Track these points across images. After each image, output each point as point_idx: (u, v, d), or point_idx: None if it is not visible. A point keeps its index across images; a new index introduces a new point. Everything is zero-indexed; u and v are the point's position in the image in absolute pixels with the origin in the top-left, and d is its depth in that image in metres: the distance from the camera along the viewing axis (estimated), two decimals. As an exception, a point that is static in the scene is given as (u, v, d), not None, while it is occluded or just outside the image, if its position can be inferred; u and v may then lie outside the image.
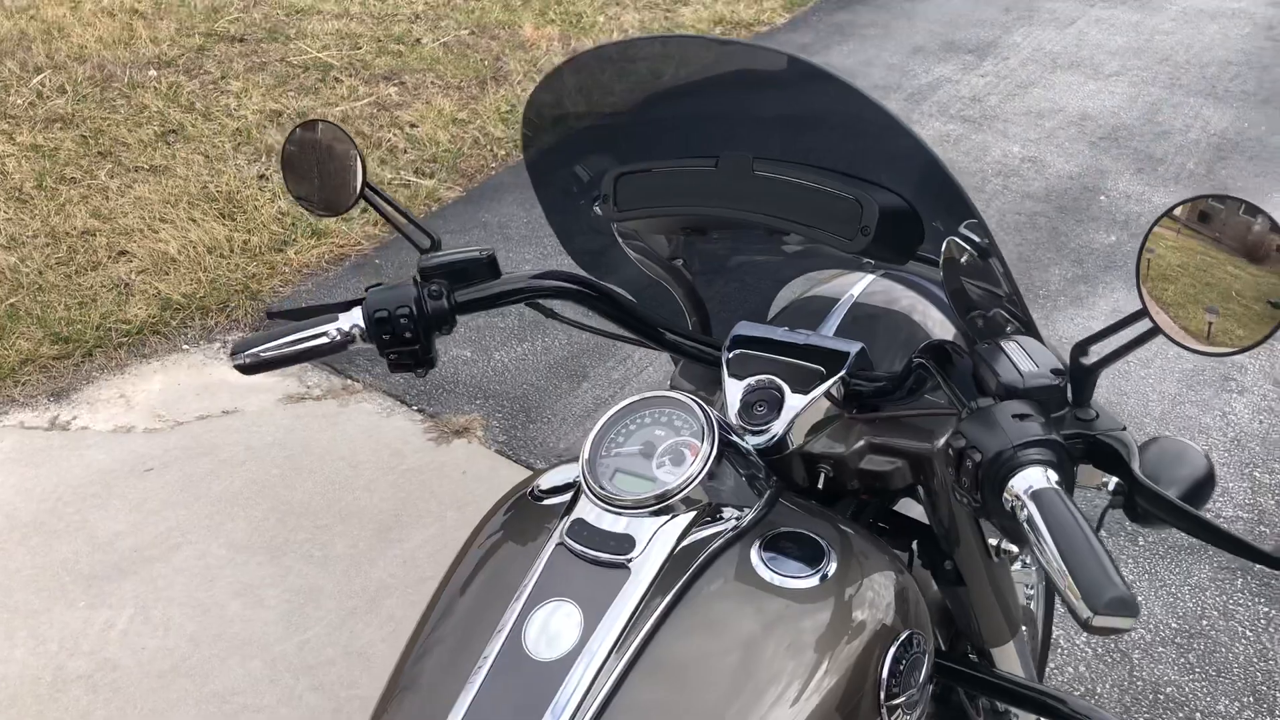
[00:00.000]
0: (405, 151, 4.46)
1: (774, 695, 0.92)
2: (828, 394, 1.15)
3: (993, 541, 1.30)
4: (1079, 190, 4.21)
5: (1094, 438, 0.87)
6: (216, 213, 3.95)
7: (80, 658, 2.27)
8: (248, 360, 1.21)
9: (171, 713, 2.15)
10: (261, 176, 4.20)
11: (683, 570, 0.98)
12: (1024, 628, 1.61)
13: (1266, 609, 2.38)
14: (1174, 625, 2.34)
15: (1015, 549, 1.32)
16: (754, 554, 1.00)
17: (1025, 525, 0.80)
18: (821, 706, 0.93)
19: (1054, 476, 0.82)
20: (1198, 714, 2.15)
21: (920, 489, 1.22)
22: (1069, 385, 0.89)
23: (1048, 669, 2.20)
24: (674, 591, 0.96)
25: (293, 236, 3.85)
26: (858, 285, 1.34)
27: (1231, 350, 0.80)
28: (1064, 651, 2.28)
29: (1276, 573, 2.46)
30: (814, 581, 0.98)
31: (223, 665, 2.26)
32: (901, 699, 0.98)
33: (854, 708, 0.96)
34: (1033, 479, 0.81)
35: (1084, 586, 0.73)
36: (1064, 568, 0.75)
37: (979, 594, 1.31)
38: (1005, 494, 0.83)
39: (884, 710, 0.97)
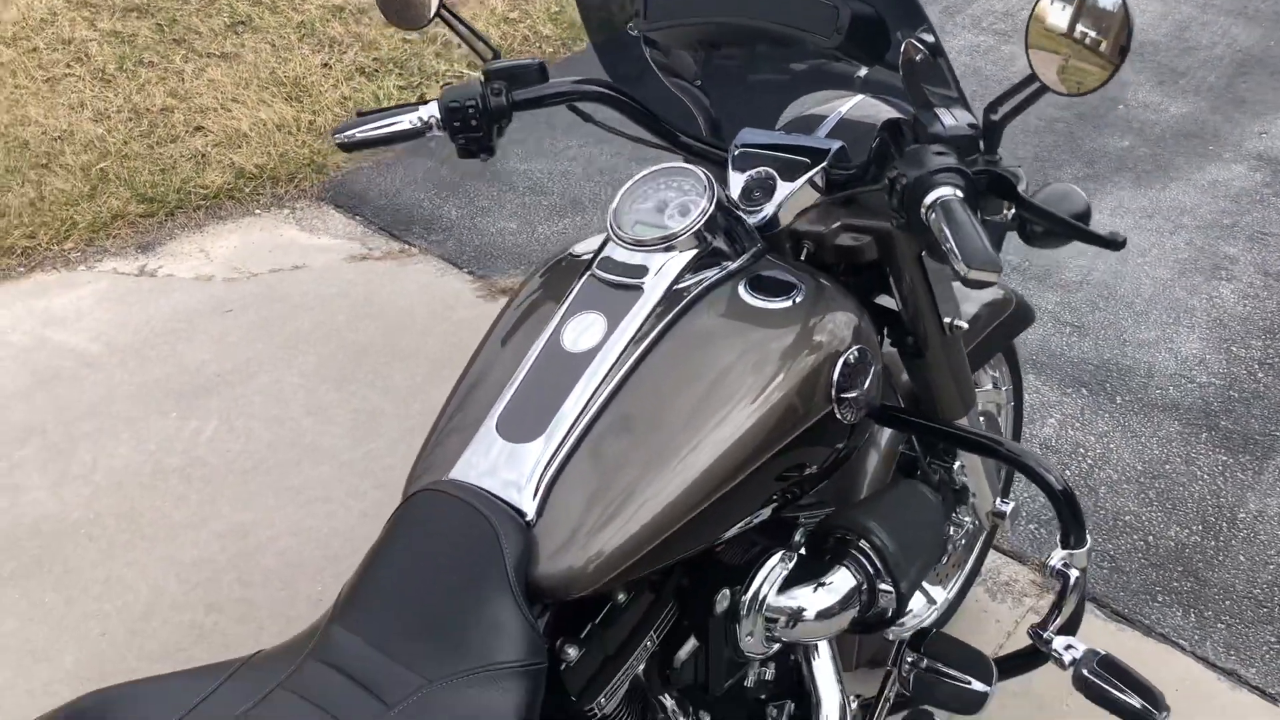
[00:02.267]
0: (459, 47, 4.72)
1: (750, 382, 1.21)
2: (812, 182, 1.43)
3: (946, 320, 1.57)
4: (1098, 99, 4.39)
5: (994, 171, 1.15)
6: (284, 96, 4.25)
7: (174, 456, 2.62)
8: (347, 139, 1.50)
9: (254, 500, 2.50)
10: (325, 65, 4.49)
11: (684, 295, 1.26)
12: (982, 419, 1.89)
13: (1225, 458, 2.64)
14: (1139, 468, 2.62)
15: (965, 325, 1.59)
16: (740, 287, 1.29)
17: (933, 228, 1.08)
18: (787, 394, 1.22)
19: (959, 195, 1.09)
20: (1150, 536, 2.43)
21: (887, 270, 1.49)
22: (982, 137, 1.17)
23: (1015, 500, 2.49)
24: (676, 309, 1.25)
25: (354, 119, 4.13)
26: (846, 104, 1.61)
27: (1089, 90, 1.08)
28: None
29: (1237, 428, 2.72)
30: (786, 304, 1.27)
31: (297, 467, 2.59)
32: (850, 395, 1.27)
33: (810, 395, 1.24)
34: (942, 193, 1.09)
35: (964, 252, 1.02)
36: (953, 243, 1.03)
37: (936, 365, 1.58)
38: (922, 208, 1.11)
39: (835, 402, 1.26)
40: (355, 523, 2.42)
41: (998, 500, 1.89)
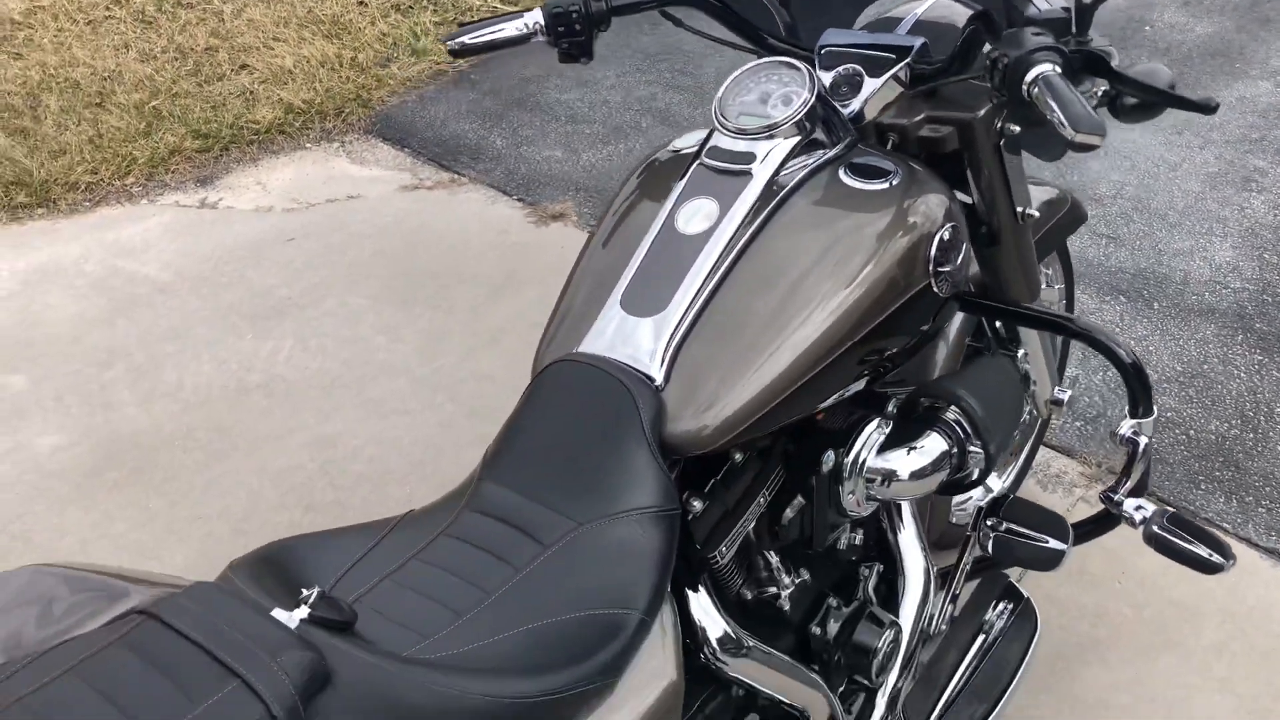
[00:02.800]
0: (491, -18, 4.78)
1: (855, 259, 1.32)
2: (896, 77, 1.52)
3: (1019, 209, 1.68)
4: (1125, 20, 4.45)
5: (1088, 50, 1.25)
6: (324, 34, 4.32)
7: (255, 373, 2.74)
8: (458, 46, 1.60)
9: (335, 413, 2.62)
10: (361, 3, 4.55)
11: (789, 179, 1.37)
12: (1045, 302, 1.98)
13: (1261, 357, 2.75)
14: (1178, 369, 2.73)
15: (1036, 214, 1.69)
16: (840, 171, 1.39)
17: (1035, 101, 1.18)
18: (889, 268, 1.33)
19: (1058, 70, 1.19)
20: (1191, 430, 2.54)
21: (966, 159, 1.59)
22: (1074, 20, 1.26)
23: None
24: (783, 192, 1.36)
25: (394, 55, 4.22)
26: (921, 5, 1.69)
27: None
28: (1081, 387, 2.68)
29: (1272, 329, 2.83)
30: (884, 186, 1.37)
31: (374, 382, 2.72)
32: (945, 269, 1.37)
33: (910, 269, 1.35)
34: (1042, 69, 1.19)
35: (1070, 118, 1.12)
36: (1058, 112, 1.13)
37: (1007, 252, 1.68)
38: (1023, 85, 1.21)
39: (932, 276, 1.37)
40: (434, 433, 2.54)
41: (1056, 389, 2.01)
